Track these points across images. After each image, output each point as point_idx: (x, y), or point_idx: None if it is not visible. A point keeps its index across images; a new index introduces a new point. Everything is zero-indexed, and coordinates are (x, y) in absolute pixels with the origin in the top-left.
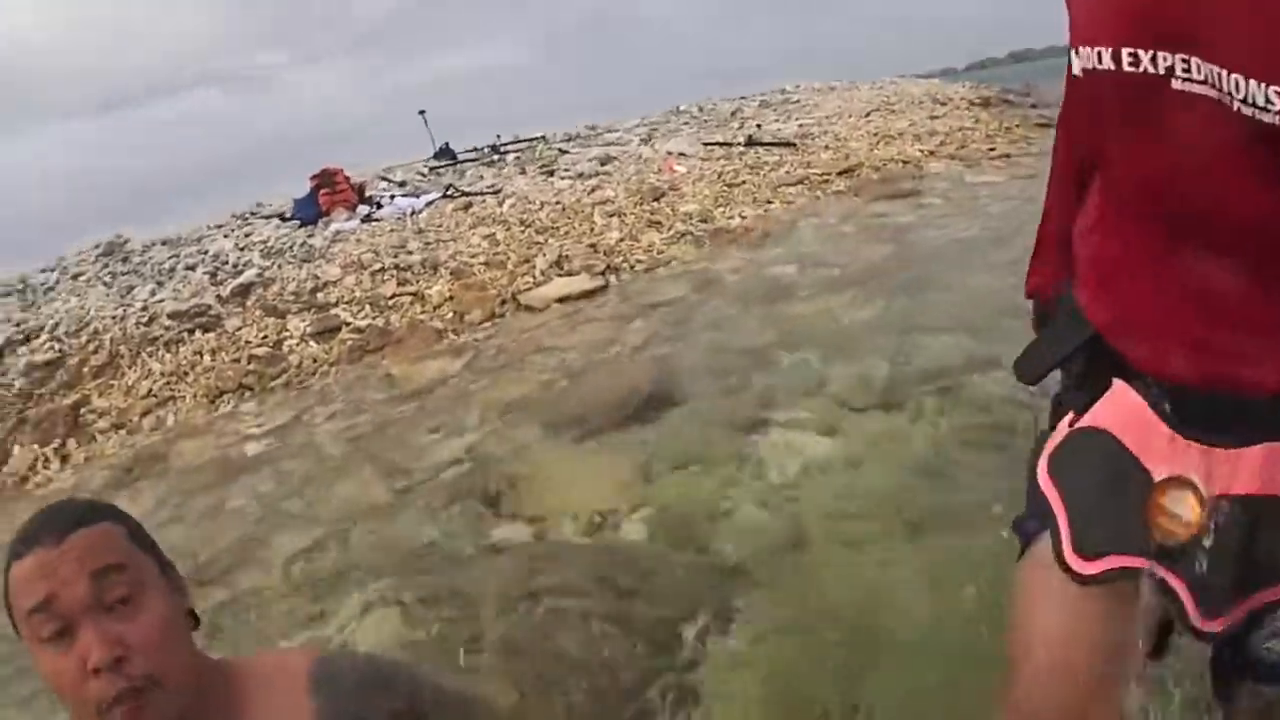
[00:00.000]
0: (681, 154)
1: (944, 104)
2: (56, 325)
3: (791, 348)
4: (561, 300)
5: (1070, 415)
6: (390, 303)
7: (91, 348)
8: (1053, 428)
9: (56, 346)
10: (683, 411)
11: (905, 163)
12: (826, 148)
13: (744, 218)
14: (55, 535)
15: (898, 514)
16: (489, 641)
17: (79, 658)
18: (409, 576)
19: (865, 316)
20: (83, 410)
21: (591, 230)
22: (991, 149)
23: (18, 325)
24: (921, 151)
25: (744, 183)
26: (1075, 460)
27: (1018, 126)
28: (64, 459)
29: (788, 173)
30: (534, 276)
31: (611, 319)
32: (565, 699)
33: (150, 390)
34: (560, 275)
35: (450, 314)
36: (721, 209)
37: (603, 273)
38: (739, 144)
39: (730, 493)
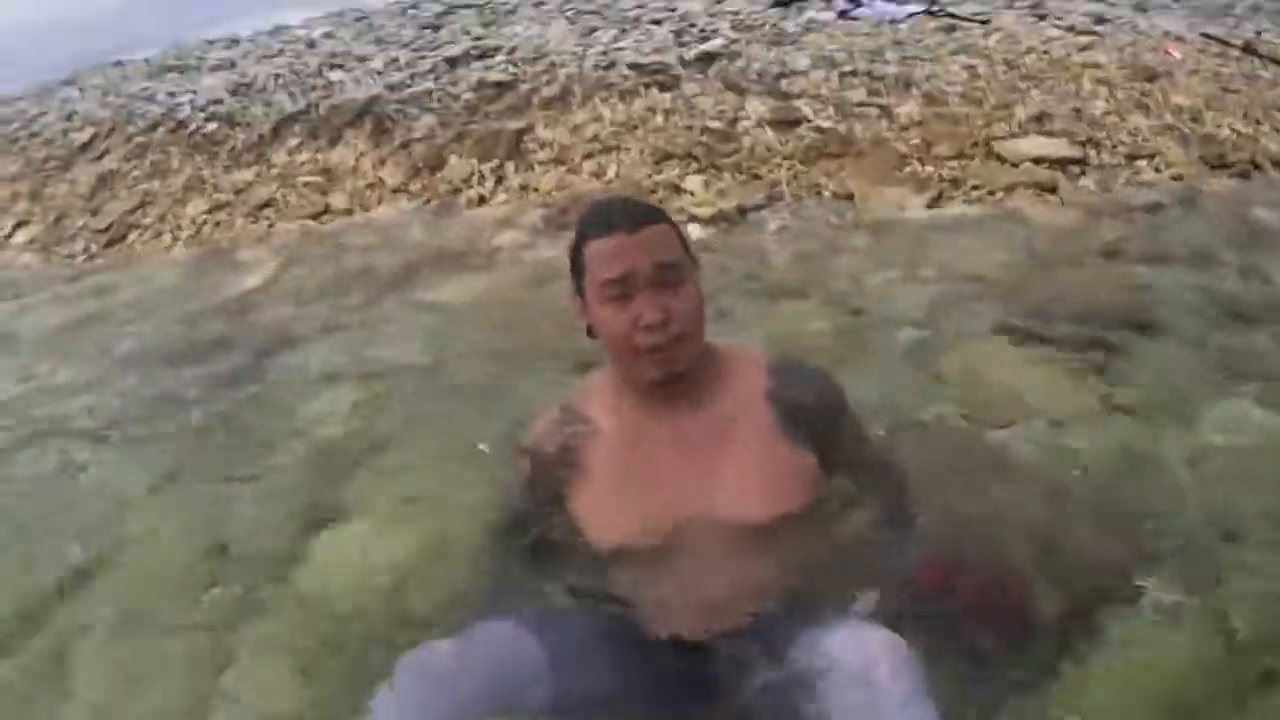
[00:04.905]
0: (1178, 37)
1: None
2: (514, 49)
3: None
4: (1036, 161)
5: None
6: (856, 110)
7: (545, 79)
8: None
9: (511, 70)
10: (1152, 348)
11: None
12: None
13: (1234, 131)
14: (630, 225)
15: None
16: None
17: (634, 315)
18: None
19: None
20: (525, 138)
21: (1077, 93)
22: None
23: (476, 40)
24: None
25: (1238, 91)
26: None
27: None
28: (499, 180)
29: None
30: (1010, 126)
31: (1083, 207)
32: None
33: (596, 135)
34: (1039, 133)
35: (917, 140)
36: (1212, 113)
37: (1082, 144)
38: (1236, 45)
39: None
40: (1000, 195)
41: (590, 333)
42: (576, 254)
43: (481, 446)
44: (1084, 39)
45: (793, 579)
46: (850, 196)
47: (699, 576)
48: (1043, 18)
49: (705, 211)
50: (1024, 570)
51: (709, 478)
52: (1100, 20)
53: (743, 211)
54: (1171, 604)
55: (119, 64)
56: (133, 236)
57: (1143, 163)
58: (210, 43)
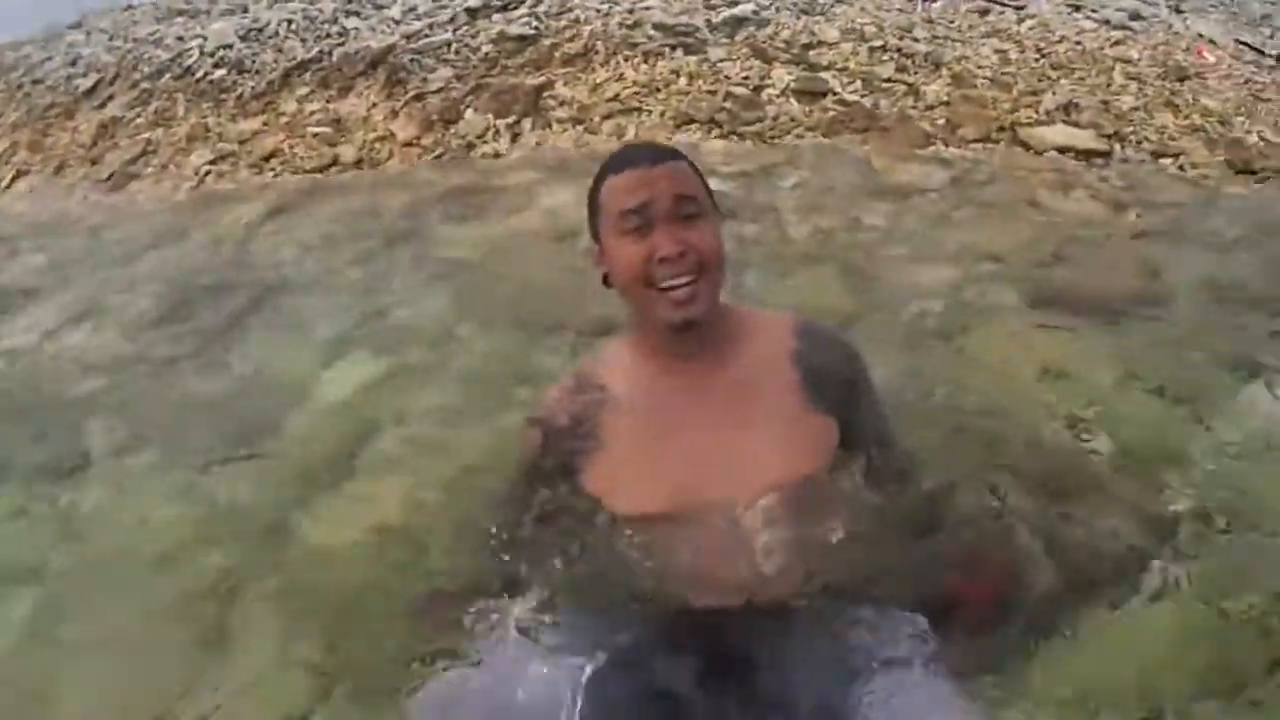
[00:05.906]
0: (1211, 41)
1: None
2: (538, 2)
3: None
4: (1061, 150)
5: None
6: (884, 86)
7: (568, 35)
8: None
9: (533, 24)
10: (1166, 326)
11: None
12: None
13: (1262, 139)
14: (649, 160)
15: None
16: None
17: (650, 248)
18: None
19: None
20: (545, 95)
21: (1107, 86)
22: None
23: None
24: None
25: (1269, 100)
26: None
27: None
28: (515, 136)
29: None
30: (1037, 112)
31: (1105, 199)
32: None
33: (618, 95)
34: (1065, 122)
35: (942, 121)
36: (1241, 119)
37: (1109, 137)
38: (1270, 56)
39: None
40: (1021, 176)
41: (606, 281)
42: (594, 195)
43: None
44: (1117, 34)
45: (823, 546)
46: (869, 165)
47: (724, 542)
48: (1077, 8)
49: (725, 169)
50: (1021, 555)
51: (731, 439)
52: (1135, 16)
53: (764, 171)
54: (1167, 583)
55: (129, 7)
56: (134, 187)
57: (1167, 161)
58: None
